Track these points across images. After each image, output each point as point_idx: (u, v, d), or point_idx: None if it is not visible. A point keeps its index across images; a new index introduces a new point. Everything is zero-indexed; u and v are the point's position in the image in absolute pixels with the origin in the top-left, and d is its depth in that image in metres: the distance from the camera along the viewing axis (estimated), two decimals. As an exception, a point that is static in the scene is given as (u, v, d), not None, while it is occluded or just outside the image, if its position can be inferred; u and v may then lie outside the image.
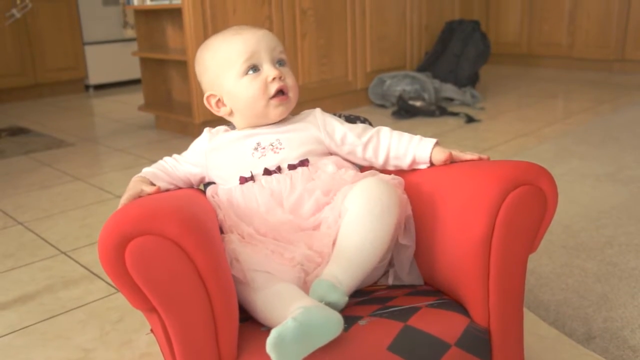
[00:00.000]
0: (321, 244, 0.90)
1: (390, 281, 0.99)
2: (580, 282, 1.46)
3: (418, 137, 1.04)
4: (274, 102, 1.02)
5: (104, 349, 1.31)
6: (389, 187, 0.92)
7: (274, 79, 1.01)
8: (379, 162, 1.04)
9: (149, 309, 0.78)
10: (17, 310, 1.49)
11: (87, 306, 1.50)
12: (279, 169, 0.99)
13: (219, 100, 1.06)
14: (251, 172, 0.99)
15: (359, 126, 1.06)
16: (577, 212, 1.90)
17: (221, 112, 1.08)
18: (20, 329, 1.41)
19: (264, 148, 1.02)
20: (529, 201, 0.86)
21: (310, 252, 0.89)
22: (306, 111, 1.09)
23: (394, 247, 0.97)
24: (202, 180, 1.07)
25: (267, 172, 0.99)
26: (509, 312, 0.89)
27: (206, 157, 1.05)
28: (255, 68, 1.01)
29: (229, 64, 1.02)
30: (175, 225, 0.75)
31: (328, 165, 1.01)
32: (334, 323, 0.76)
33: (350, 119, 1.17)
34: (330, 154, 1.05)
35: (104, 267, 0.75)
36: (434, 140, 1.02)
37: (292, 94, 1.04)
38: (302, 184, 0.97)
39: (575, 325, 1.29)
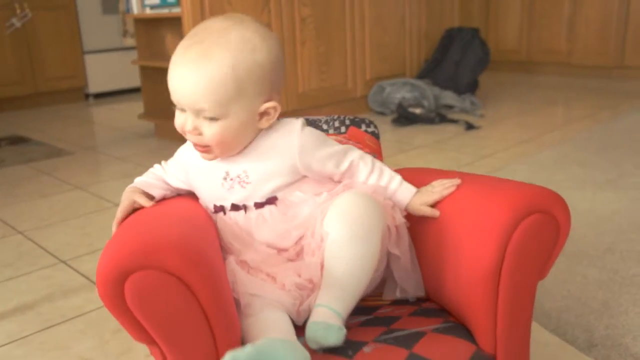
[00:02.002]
0: (309, 273, 0.87)
1: (398, 294, 0.96)
2: (581, 289, 1.46)
3: (397, 181, 0.95)
4: (195, 148, 0.93)
5: (103, 359, 1.30)
6: (369, 201, 0.87)
7: (189, 131, 0.89)
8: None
9: (151, 342, 0.75)
10: (16, 320, 1.49)
11: (87, 315, 1.49)
12: (245, 207, 0.92)
13: None
14: (222, 204, 0.94)
15: (341, 149, 0.95)
16: (577, 219, 1.89)
17: None
18: (19, 339, 1.40)
19: (232, 179, 0.93)
20: (542, 230, 0.83)
21: (301, 280, 0.86)
22: (285, 125, 0.94)
23: (391, 260, 0.94)
24: (191, 191, 1.02)
25: (234, 207, 0.93)
26: (516, 340, 0.86)
27: (187, 175, 0.99)
28: (180, 108, 0.90)
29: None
30: (177, 259, 0.71)
31: (302, 207, 0.92)
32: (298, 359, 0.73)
33: (355, 122, 1.15)
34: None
35: (103, 301, 0.72)
36: (413, 190, 0.95)
37: (219, 150, 0.90)
38: (272, 223, 0.91)
39: (577, 332, 1.28)
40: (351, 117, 1.15)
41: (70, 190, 2.53)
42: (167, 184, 1.01)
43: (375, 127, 1.16)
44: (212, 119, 0.87)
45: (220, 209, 0.95)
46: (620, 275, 1.52)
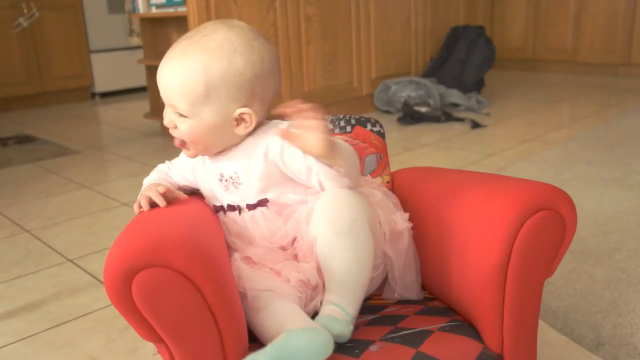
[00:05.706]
0: (306, 276, 0.87)
1: (397, 294, 0.96)
2: (588, 288, 1.45)
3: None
4: (174, 142, 0.94)
5: (110, 357, 1.31)
6: (347, 195, 0.86)
7: (166, 124, 0.92)
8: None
9: (158, 340, 0.76)
10: (24, 318, 1.50)
11: (94, 314, 1.50)
12: (239, 208, 0.94)
13: None
14: (220, 204, 0.96)
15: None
16: (584, 217, 1.89)
17: None
18: (27, 337, 1.41)
19: (226, 180, 0.94)
20: (548, 227, 0.83)
21: (302, 276, 0.86)
22: (273, 126, 0.93)
23: (387, 261, 0.94)
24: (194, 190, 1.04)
25: (230, 207, 0.94)
26: (523, 338, 0.86)
27: (194, 174, 1.01)
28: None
29: None
30: (183, 257, 0.72)
31: (297, 207, 0.91)
32: (320, 346, 0.73)
33: (361, 122, 1.15)
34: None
35: (110, 299, 0.73)
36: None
37: (193, 147, 0.92)
38: (266, 224, 0.92)
39: (584, 331, 1.28)
40: (357, 117, 1.15)
41: (77, 189, 2.54)
42: (172, 180, 1.03)
43: (381, 126, 1.16)
44: (183, 116, 0.89)
45: (219, 208, 0.96)
46: (627, 274, 1.51)
